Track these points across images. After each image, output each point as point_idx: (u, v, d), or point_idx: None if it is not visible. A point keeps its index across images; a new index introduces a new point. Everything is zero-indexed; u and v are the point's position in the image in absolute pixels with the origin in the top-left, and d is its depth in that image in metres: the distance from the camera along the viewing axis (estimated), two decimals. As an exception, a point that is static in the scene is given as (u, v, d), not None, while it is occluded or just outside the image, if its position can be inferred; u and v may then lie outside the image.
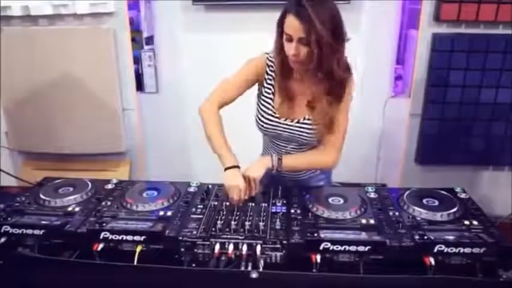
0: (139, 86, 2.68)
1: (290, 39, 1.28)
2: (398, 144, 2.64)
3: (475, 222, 1.22)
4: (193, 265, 1.17)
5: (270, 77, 1.47)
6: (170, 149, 2.81)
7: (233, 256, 1.14)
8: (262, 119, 1.49)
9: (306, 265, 1.10)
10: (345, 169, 2.67)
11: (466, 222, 1.22)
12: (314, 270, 1.09)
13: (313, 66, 1.31)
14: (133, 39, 2.54)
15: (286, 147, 1.54)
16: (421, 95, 2.45)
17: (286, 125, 1.47)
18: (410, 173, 2.58)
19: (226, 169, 1.36)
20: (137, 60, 2.63)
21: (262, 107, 1.49)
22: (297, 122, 1.46)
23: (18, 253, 1.20)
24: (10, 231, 1.23)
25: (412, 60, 2.46)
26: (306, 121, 1.46)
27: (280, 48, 1.35)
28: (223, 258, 1.14)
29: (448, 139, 2.48)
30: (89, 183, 1.50)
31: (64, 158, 2.53)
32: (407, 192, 1.39)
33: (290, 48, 1.29)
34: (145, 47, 2.66)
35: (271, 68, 1.46)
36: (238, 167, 1.37)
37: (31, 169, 2.54)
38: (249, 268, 1.11)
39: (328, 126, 1.41)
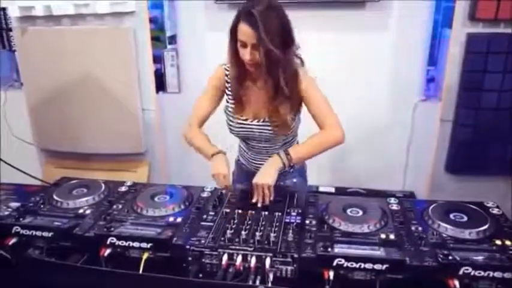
0: (162, 85, 2.67)
1: (244, 45, 1.36)
2: (428, 151, 2.51)
3: (508, 243, 1.12)
4: (200, 275, 1.13)
5: (230, 85, 1.55)
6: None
7: (241, 268, 1.09)
8: (231, 123, 1.57)
9: (317, 281, 1.04)
10: (371, 175, 2.57)
11: (498, 242, 1.12)
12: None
13: (263, 72, 1.39)
14: (157, 38, 2.54)
15: (259, 145, 1.59)
16: (453, 99, 2.32)
17: (253, 125, 1.54)
18: (440, 182, 2.45)
19: (212, 156, 1.46)
20: (160, 59, 2.62)
21: (229, 113, 1.58)
22: (263, 121, 1.52)
23: (25, 255, 1.19)
24: (20, 232, 1.23)
25: (445, 62, 2.33)
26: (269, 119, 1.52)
27: (234, 54, 1.42)
28: (230, 270, 1.10)
29: (481, 147, 2.34)
30: (102, 185, 1.48)
31: (85, 157, 2.56)
32: (432, 205, 1.30)
33: (245, 54, 1.37)
34: (168, 46, 2.64)
35: (229, 77, 1.55)
36: (223, 152, 1.47)
37: (53, 167, 2.59)
38: (257, 282, 1.06)
39: (282, 124, 1.48)
